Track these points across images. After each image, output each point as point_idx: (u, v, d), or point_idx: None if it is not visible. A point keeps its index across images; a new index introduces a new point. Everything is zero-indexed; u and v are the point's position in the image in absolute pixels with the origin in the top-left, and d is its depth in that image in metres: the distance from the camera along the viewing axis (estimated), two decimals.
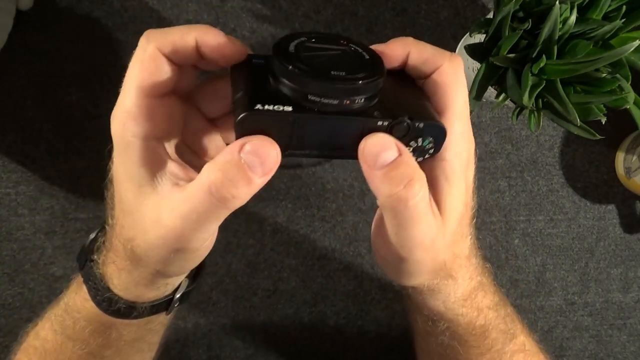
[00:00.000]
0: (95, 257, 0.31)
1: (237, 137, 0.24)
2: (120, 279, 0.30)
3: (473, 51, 0.40)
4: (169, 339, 0.52)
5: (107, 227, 0.30)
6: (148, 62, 0.25)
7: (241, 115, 0.23)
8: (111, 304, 0.31)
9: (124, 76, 0.26)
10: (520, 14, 0.38)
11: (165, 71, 0.26)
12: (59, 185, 0.49)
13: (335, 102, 0.24)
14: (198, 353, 0.53)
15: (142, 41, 0.26)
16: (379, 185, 0.25)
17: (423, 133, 0.26)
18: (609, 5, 0.36)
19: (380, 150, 0.25)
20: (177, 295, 0.34)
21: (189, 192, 0.24)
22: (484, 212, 0.55)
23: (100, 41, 0.48)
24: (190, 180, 0.25)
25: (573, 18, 0.35)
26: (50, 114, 0.48)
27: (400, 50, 0.28)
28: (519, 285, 0.56)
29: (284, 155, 0.25)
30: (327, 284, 0.54)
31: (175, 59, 0.26)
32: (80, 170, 0.49)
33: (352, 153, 0.26)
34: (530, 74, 0.36)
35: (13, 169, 0.49)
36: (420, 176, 0.25)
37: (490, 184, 0.54)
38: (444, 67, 0.27)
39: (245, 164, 0.23)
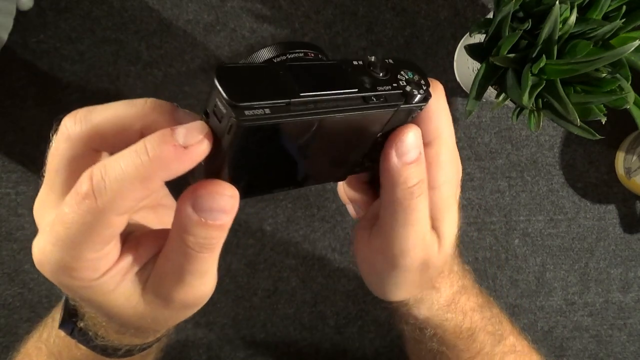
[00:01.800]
0: (84, 325, 0.30)
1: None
2: (123, 340, 0.29)
3: (473, 51, 0.40)
4: (168, 339, 0.53)
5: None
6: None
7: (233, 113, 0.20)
8: (117, 352, 0.30)
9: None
10: (520, 14, 0.38)
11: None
12: None
13: (301, 54, 0.25)
14: (198, 353, 0.53)
15: (62, 137, 0.23)
16: (402, 178, 0.25)
17: (401, 67, 0.25)
18: (609, 5, 0.36)
19: (415, 144, 0.25)
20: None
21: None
22: (484, 212, 0.55)
23: (100, 41, 0.48)
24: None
25: (573, 18, 0.35)
26: (50, 114, 0.48)
27: None
28: (519, 285, 0.56)
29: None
30: (327, 284, 0.54)
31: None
32: None
33: (349, 86, 0.24)
34: (530, 74, 0.36)
35: (13, 169, 0.49)
36: (425, 177, 0.26)
37: (490, 184, 0.54)
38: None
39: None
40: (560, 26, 0.35)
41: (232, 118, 0.20)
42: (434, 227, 0.29)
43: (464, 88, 0.52)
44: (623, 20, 0.36)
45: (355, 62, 0.24)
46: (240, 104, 0.20)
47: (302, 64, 0.23)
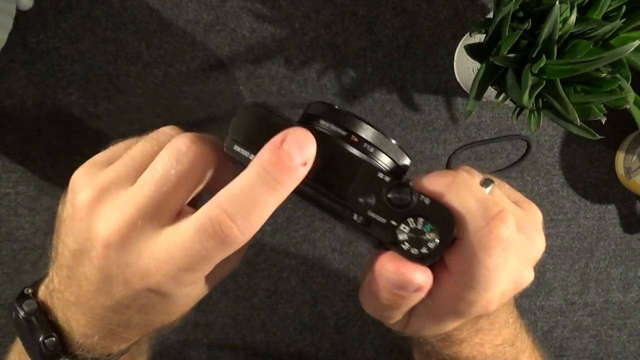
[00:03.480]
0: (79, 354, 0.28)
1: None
2: (112, 348, 0.29)
3: (473, 51, 0.40)
4: (169, 339, 0.52)
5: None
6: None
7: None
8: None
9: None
10: (520, 14, 0.38)
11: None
12: (59, 185, 0.49)
13: (344, 133, 0.23)
14: (198, 353, 0.53)
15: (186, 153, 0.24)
16: (380, 296, 0.25)
17: (426, 213, 0.22)
18: (609, 5, 0.36)
19: (398, 285, 0.23)
20: None
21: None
22: None
23: (100, 41, 0.48)
24: None
25: (573, 18, 0.35)
26: (50, 114, 0.48)
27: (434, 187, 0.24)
28: None
29: None
30: (327, 284, 0.54)
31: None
32: None
33: (338, 191, 0.22)
34: (530, 74, 0.36)
35: (13, 169, 0.49)
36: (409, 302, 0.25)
37: None
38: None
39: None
40: (560, 26, 0.35)
41: (224, 144, 0.23)
42: (410, 314, 0.27)
43: (464, 88, 0.52)
44: (623, 20, 0.36)
45: (380, 175, 0.22)
46: (232, 138, 0.23)
47: (322, 142, 0.22)
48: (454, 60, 0.52)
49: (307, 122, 0.25)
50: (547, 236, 0.56)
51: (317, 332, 0.54)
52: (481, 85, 0.39)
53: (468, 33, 0.48)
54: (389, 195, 0.22)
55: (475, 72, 0.39)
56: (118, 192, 0.24)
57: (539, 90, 0.36)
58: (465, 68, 0.49)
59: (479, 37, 0.43)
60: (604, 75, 0.35)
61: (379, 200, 0.22)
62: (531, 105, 0.37)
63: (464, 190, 0.23)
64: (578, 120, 0.35)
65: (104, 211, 0.24)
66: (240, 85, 0.50)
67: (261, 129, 0.22)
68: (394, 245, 0.22)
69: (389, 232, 0.22)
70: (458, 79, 0.52)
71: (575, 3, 0.35)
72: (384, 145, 0.24)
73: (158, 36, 0.49)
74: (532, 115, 0.39)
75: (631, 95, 0.37)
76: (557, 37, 0.35)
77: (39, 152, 0.49)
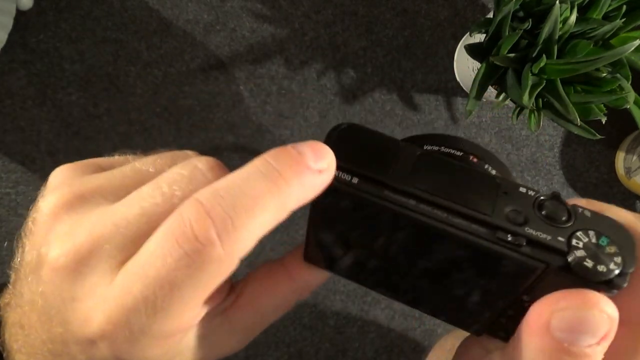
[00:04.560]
0: None
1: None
2: None
3: (473, 51, 0.40)
4: None
5: None
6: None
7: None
8: None
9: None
10: (520, 14, 0.38)
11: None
12: None
13: (459, 153, 0.20)
14: None
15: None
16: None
17: (593, 226, 0.17)
18: (609, 5, 0.36)
19: (589, 328, 0.15)
20: None
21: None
22: None
23: (100, 41, 0.48)
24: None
25: (573, 18, 0.35)
26: (50, 114, 0.48)
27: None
28: None
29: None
30: (327, 284, 0.54)
31: None
32: None
33: (482, 210, 0.18)
34: (530, 74, 0.36)
35: (13, 169, 0.49)
36: None
37: None
38: None
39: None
40: (561, 26, 0.35)
41: None
42: None
43: (464, 88, 0.52)
44: (623, 20, 0.36)
45: (522, 190, 0.18)
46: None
47: (439, 159, 0.18)
48: (454, 60, 0.52)
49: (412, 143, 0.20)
50: None
51: (317, 332, 0.54)
52: (481, 85, 0.39)
53: (468, 33, 0.48)
54: (543, 210, 0.18)
55: (475, 72, 0.39)
56: (99, 204, 0.18)
57: (539, 90, 0.36)
58: (465, 68, 0.49)
59: (479, 37, 0.43)
60: (604, 75, 0.35)
61: (532, 216, 0.18)
62: (531, 105, 0.37)
63: (616, 209, 0.18)
64: (578, 120, 0.35)
65: (69, 223, 0.17)
66: (240, 85, 0.50)
67: (364, 148, 0.18)
68: (565, 270, 0.17)
69: (554, 253, 0.17)
70: (458, 79, 0.52)
71: (575, 3, 0.35)
72: (506, 174, 0.21)
73: (158, 36, 0.49)
74: (532, 115, 0.39)
75: (631, 95, 0.37)
76: (557, 37, 0.35)
77: (39, 152, 0.49)
